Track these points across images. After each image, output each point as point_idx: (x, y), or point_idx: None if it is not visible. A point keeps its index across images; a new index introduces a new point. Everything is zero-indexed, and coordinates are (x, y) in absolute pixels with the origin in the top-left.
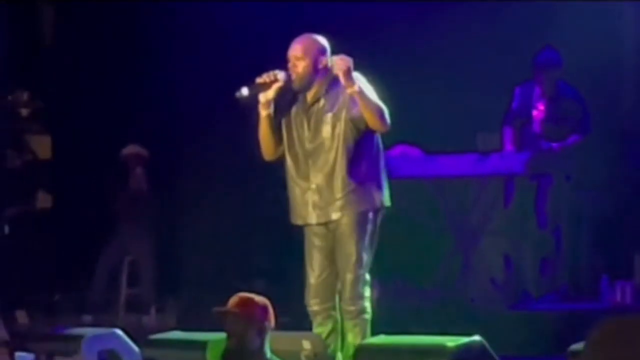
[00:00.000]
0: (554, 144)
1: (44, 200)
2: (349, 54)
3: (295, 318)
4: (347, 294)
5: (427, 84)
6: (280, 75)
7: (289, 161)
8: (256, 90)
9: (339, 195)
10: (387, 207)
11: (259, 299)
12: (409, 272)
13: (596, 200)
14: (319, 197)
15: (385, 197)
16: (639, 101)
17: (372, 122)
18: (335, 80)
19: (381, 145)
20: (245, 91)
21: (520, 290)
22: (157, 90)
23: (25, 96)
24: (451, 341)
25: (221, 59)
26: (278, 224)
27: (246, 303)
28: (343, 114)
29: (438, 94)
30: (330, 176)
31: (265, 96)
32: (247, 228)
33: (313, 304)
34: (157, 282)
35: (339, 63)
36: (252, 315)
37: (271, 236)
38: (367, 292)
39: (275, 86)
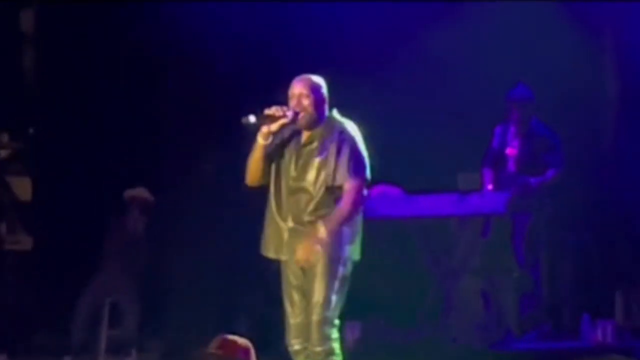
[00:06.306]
0: (531, 179)
1: (23, 241)
2: (332, 92)
3: (278, 358)
4: (313, 334)
5: (408, 123)
6: (289, 112)
7: (272, 195)
8: (263, 121)
9: (311, 239)
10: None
11: (242, 341)
12: (391, 311)
13: (576, 238)
14: (294, 238)
15: (355, 251)
16: (619, 140)
17: None
18: (332, 127)
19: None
20: (252, 119)
21: (502, 329)
22: (140, 133)
23: (5, 137)
24: None
25: (209, 99)
26: (260, 266)
27: (228, 345)
28: (331, 163)
29: (419, 134)
30: (306, 220)
31: (269, 126)
32: (230, 270)
33: (294, 344)
34: (139, 323)
35: (301, 255)
36: (234, 357)
37: (254, 277)
38: (335, 334)
39: (281, 121)
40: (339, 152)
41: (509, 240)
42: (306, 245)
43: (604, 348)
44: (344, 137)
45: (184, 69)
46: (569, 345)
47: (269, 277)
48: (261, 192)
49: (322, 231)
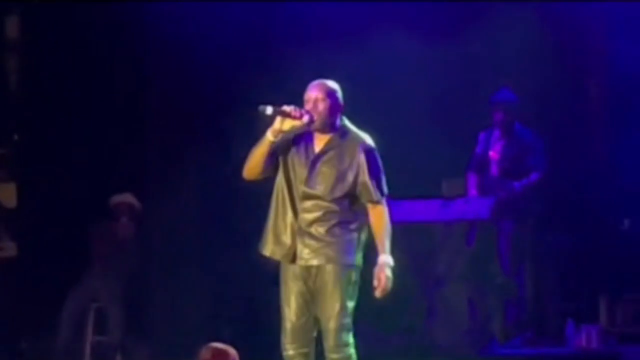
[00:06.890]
0: (515, 184)
1: (8, 248)
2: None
3: None
4: (331, 342)
5: (392, 129)
6: (305, 117)
7: (286, 194)
8: (278, 114)
9: (321, 243)
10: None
11: (231, 351)
12: (374, 318)
13: (560, 243)
14: (300, 240)
15: (360, 258)
16: (604, 144)
17: None
18: (346, 136)
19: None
20: (269, 110)
21: (486, 336)
22: (127, 138)
23: None
24: None
25: (197, 105)
26: (247, 273)
27: (219, 356)
28: (348, 178)
29: (403, 139)
30: (315, 225)
31: (281, 124)
32: (216, 277)
33: (289, 349)
34: (124, 329)
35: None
36: None
37: (239, 284)
38: (351, 339)
39: (295, 123)
40: (369, 168)
41: (494, 247)
42: (381, 276)
43: (589, 353)
44: (370, 151)
45: (171, 74)
46: (553, 351)
47: (255, 283)
48: (250, 199)
49: (387, 257)
